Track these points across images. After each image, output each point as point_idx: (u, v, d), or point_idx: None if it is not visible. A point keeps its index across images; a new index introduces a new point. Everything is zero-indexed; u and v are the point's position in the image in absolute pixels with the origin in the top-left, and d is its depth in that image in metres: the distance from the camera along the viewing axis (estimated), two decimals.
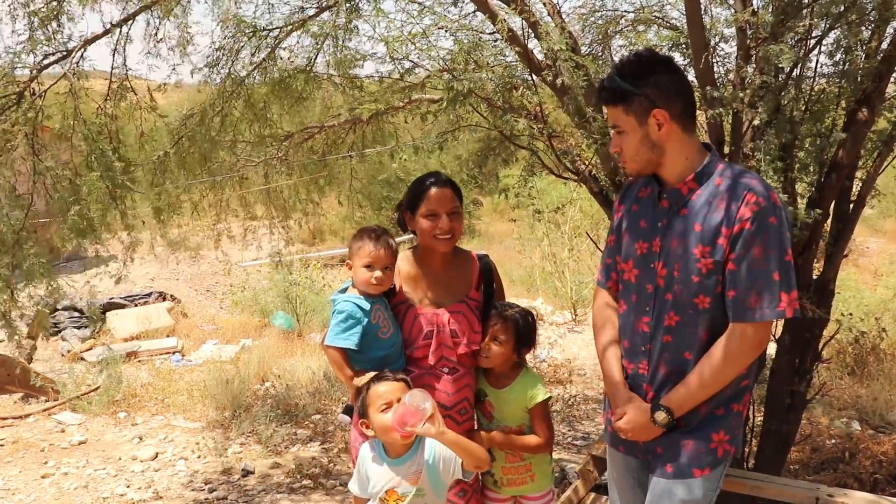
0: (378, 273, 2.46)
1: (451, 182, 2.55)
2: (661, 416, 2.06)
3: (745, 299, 1.96)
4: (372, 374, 2.37)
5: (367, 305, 2.46)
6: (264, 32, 3.94)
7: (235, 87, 3.95)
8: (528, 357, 2.76)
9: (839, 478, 4.44)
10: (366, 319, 2.45)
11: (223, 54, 3.97)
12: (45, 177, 3.40)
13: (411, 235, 2.65)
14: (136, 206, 4.23)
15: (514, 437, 2.57)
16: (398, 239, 2.65)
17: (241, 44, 3.93)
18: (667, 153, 2.05)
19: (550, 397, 2.64)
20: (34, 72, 3.41)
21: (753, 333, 1.98)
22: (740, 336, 1.98)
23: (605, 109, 2.13)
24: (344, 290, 2.56)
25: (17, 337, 3.45)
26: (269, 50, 3.99)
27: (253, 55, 4.01)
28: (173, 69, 3.87)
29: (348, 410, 2.65)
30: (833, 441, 5.09)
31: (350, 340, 2.43)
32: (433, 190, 2.50)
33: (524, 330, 2.57)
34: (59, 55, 3.47)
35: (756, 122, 3.05)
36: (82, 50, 3.49)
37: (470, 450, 2.27)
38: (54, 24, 3.30)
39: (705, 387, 2.03)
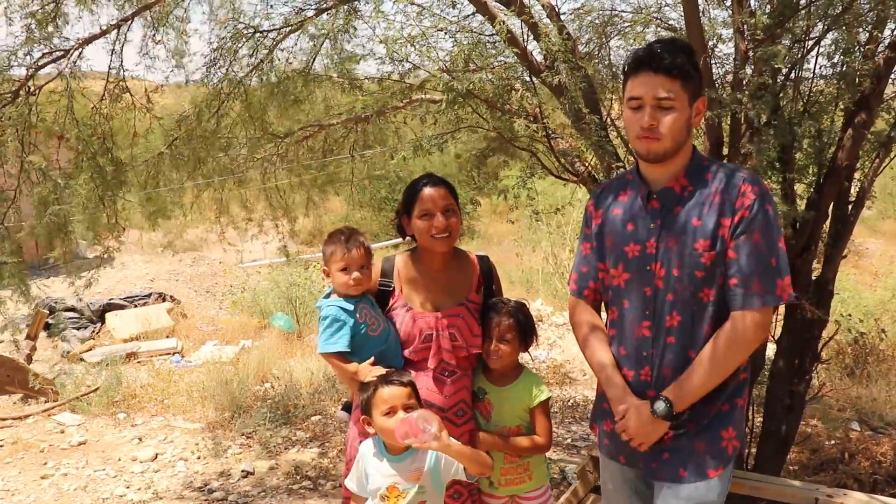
0: (356, 274, 2.45)
1: (444, 181, 2.54)
2: (659, 405, 2.01)
3: (748, 286, 1.96)
4: (379, 369, 2.36)
5: (350, 306, 2.45)
6: (263, 33, 3.93)
7: (232, 88, 3.94)
8: (527, 357, 2.76)
9: (838, 478, 4.44)
10: (351, 320, 2.44)
11: (220, 55, 3.96)
12: (29, 173, 3.37)
13: (407, 238, 2.64)
14: (125, 210, 4.21)
15: (516, 439, 2.56)
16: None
17: (240, 44, 3.92)
18: (686, 144, 2.04)
19: (551, 396, 2.65)
20: (30, 70, 3.40)
21: (759, 319, 1.97)
22: (744, 323, 1.97)
23: (644, 78, 1.95)
24: (329, 296, 2.54)
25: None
26: (266, 51, 3.98)
27: (251, 56, 4.00)
28: (171, 71, 3.87)
29: (348, 408, 2.64)
30: (832, 442, 5.08)
31: (340, 343, 2.43)
32: (426, 190, 2.48)
33: (525, 322, 2.58)
34: (57, 54, 3.46)
35: (755, 123, 3.05)
36: (79, 50, 3.49)
37: (474, 458, 2.26)
38: (50, 28, 3.28)
39: (707, 377, 2.00)
